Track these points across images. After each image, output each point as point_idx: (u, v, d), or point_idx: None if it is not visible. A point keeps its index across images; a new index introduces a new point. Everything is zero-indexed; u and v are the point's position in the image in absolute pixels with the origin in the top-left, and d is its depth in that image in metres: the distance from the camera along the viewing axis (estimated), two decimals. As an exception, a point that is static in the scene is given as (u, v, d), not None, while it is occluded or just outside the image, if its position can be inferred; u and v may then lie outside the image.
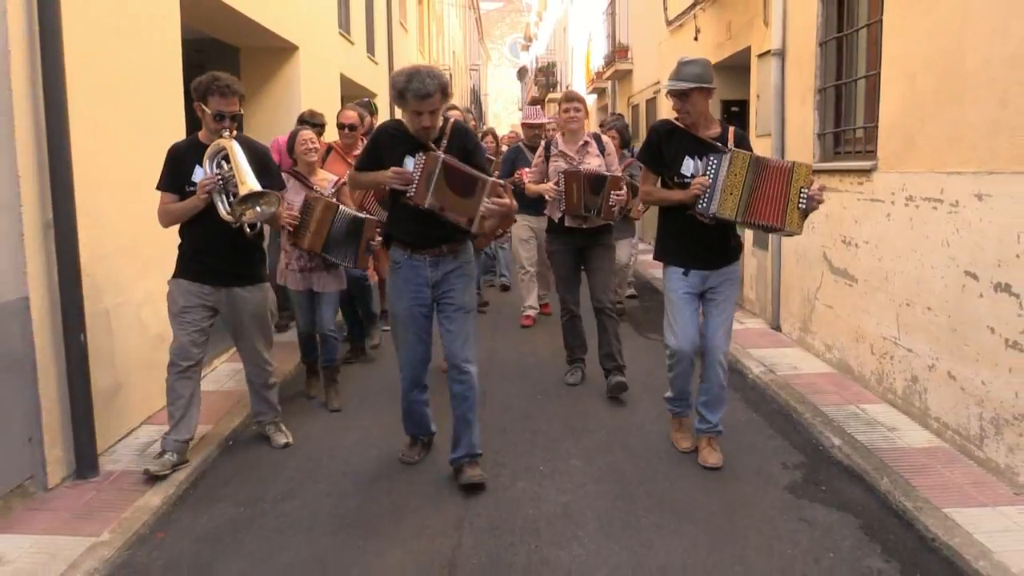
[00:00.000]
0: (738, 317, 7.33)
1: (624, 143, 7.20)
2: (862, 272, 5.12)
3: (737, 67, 8.21)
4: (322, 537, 3.36)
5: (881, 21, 4.85)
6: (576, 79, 24.12)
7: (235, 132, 3.85)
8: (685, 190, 3.81)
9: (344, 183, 4.97)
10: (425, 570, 3.09)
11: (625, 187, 5.09)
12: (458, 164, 3.61)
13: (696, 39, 9.42)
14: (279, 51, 8.29)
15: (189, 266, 3.94)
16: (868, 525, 3.40)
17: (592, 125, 17.78)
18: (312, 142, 4.95)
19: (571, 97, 5.41)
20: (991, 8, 3.78)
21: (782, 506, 3.58)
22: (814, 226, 5.66)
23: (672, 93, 3.89)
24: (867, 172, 4.99)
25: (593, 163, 5.18)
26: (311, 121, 5.80)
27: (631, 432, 4.50)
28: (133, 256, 4.43)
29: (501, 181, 3.78)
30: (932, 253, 4.25)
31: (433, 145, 3.69)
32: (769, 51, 6.64)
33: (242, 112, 3.96)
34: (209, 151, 3.78)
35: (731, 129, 3.95)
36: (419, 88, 3.51)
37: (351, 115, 5.92)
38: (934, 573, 3.03)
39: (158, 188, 3.89)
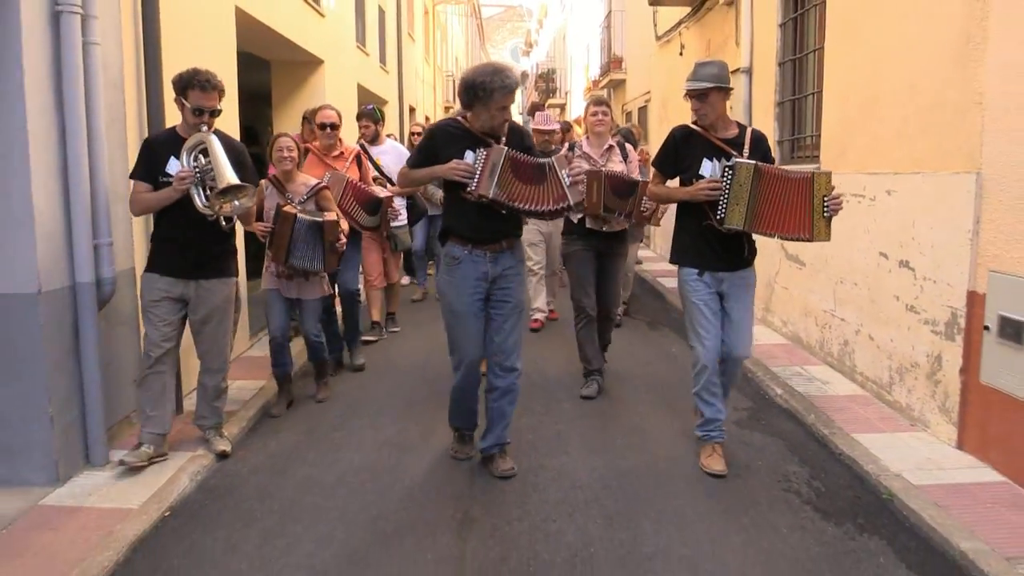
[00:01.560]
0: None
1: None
2: (809, 257, 6.09)
3: (716, 80, 9.17)
4: (370, 451, 4.32)
5: (823, 48, 5.84)
6: (575, 86, 25.12)
7: (213, 127, 3.91)
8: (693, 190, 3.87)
9: (323, 187, 4.94)
10: (451, 473, 4.04)
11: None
12: (522, 156, 3.70)
13: (681, 54, 10.40)
14: (306, 64, 9.26)
15: (160, 258, 3.97)
16: (792, 445, 4.37)
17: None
18: (289, 150, 4.79)
19: (599, 100, 5.42)
20: (896, 46, 4.76)
21: (733, 439, 4.53)
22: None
23: (690, 94, 3.92)
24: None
25: (616, 168, 5.18)
26: (312, 120, 5.91)
27: (612, 385, 5.44)
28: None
29: (565, 154, 4.09)
30: (858, 239, 5.21)
31: (492, 140, 3.76)
32: (739, 68, 7.62)
33: (220, 108, 3.98)
34: (188, 144, 3.81)
35: (749, 130, 4.00)
36: (508, 83, 3.63)
37: (332, 115, 5.69)
38: (835, 474, 3.99)
39: (131, 176, 3.95)
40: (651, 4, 10.26)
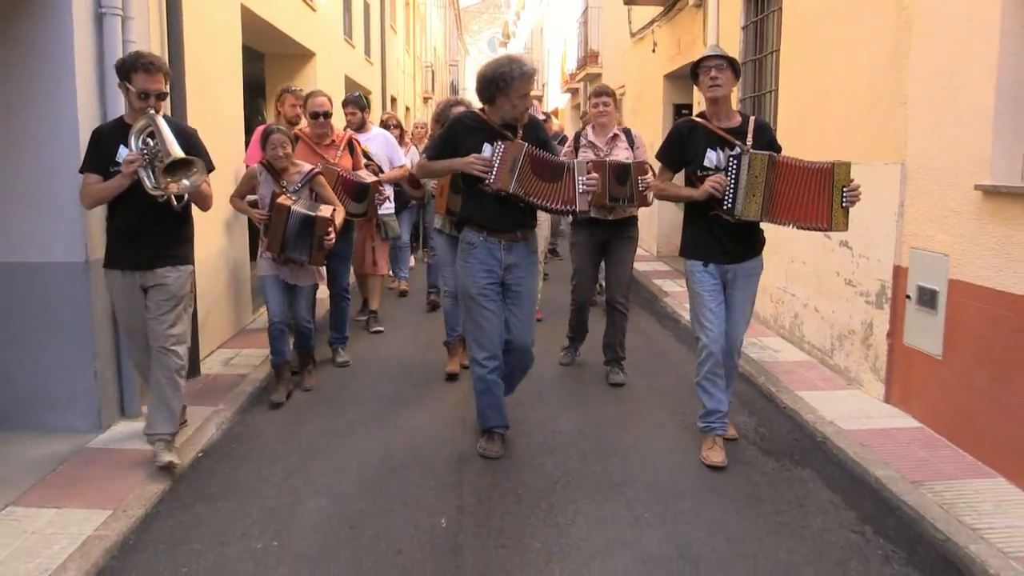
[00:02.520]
0: (680, 281, 8.97)
1: None
2: (768, 239, 6.70)
3: (685, 77, 9.78)
4: (373, 406, 4.89)
5: (779, 50, 6.46)
6: (552, 79, 25.66)
7: (160, 111, 3.80)
8: (700, 187, 3.89)
9: (317, 173, 4.97)
10: (447, 422, 4.61)
11: (651, 171, 4.97)
12: (540, 152, 3.81)
13: (654, 51, 11.01)
14: (299, 57, 9.73)
15: (117, 252, 3.89)
16: (743, 401, 5.00)
17: (569, 123, 19.35)
18: (284, 147, 4.81)
19: (600, 92, 5.39)
20: (840, 50, 5.38)
21: (688, 392, 5.12)
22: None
23: (706, 64, 3.92)
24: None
25: (621, 156, 5.19)
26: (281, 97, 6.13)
27: (588, 355, 6.02)
28: (215, 220, 5.90)
29: (589, 161, 4.19)
30: (807, 222, 5.83)
31: (509, 134, 3.88)
32: (706, 66, 8.21)
33: (167, 91, 3.89)
34: (135, 128, 3.70)
35: (752, 119, 4.00)
36: (526, 69, 3.78)
37: (324, 102, 5.56)
38: (778, 423, 4.62)
39: (81, 170, 3.83)
40: (625, 3, 10.84)
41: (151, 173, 3.65)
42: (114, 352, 4.44)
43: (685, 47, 9.46)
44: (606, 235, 5.25)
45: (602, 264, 5.54)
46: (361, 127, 6.72)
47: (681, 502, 3.59)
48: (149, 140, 3.67)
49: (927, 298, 4.33)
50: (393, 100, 18.06)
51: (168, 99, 5.02)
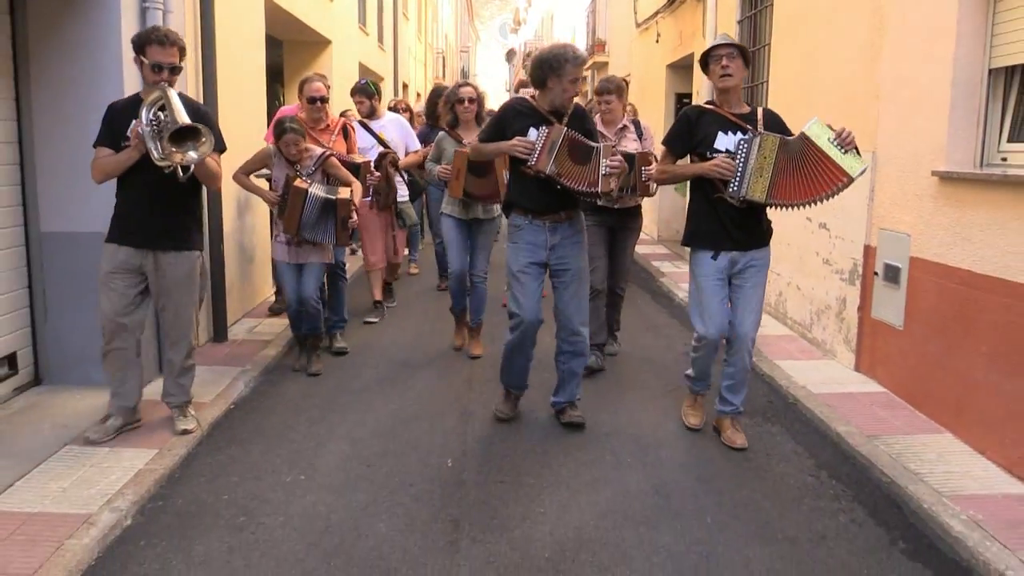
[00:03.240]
0: (676, 263, 9.40)
1: None
2: (756, 224, 7.13)
3: (687, 67, 10.19)
4: (387, 369, 5.35)
5: (770, 44, 6.86)
6: (561, 66, 25.94)
7: (175, 85, 3.77)
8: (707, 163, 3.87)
9: (329, 155, 5.05)
10: (453, 382, 5.07)
11: (654, 162, 5.04)
12: (579, 137, 3.93)
13: (657, 41, 11.38)
14: (316, 44, 10.17)
15: (120, 227, 3.86)
16: (726, 369, 5.43)
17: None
18: (297, 145, 4.86)
19: (604, 90, 5.38)
20: (824, 46, 5.78)
21: (674, 359, 5.58)
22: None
23: (718, 52, 3.89)
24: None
25: (630, 147, 5.24)
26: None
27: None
28: (241, 194, 6.35)
29: (612, 143, 4.26)
30: (791, 206, 6.25)
31: (555, 119, 4.01)
32: (705, 58, 8.61)
33: (182, 65, 3.85)
34: (147, 100, 3.69)
35: (760, 109, 4.04)
36: (579, 55, 3.94)
37: (320, 88, 5.56)
38: (756, 387, 5.04)
39: (95, 144, 3.83)
40: (631, -5, 11.21)
41: (158, 144, 3.61)
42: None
43: (686, 38, 9.84)
44: (613, 222, 5.32)
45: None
46: (372, 115, 6.64)
47: (660, 451, 4.05)
48: (160, 113, 3.63)
49: (891, 274, 4.76)
50: (405, 86, 18.47)
51: (201, 85, 5.54)
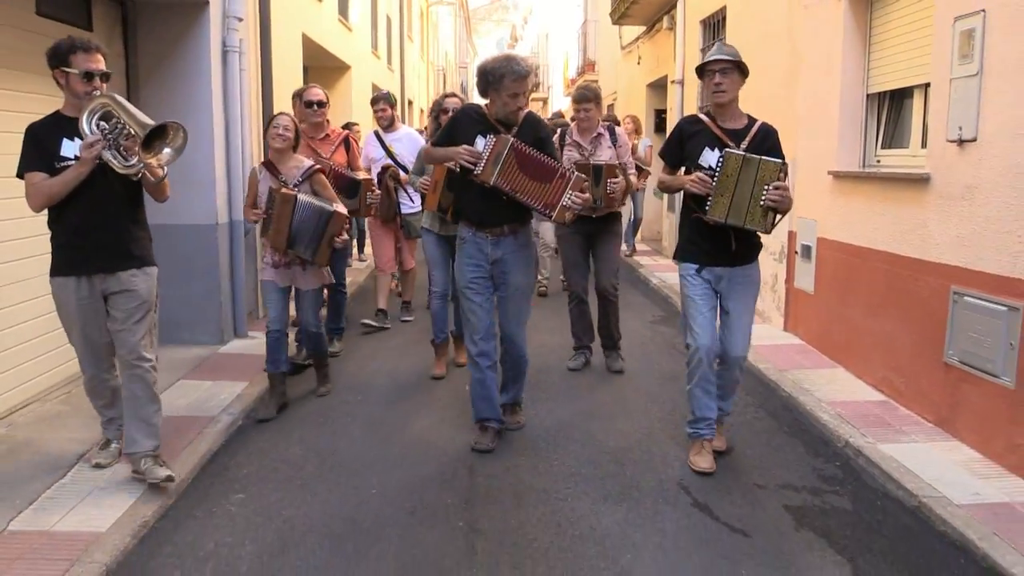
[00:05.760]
0: (654, 257, 10.77)
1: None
2: (716, 219, 8.49)
3: (663, 86, 11.60)
4: (395, 361, 6.70)
5: (724, 70, 8.26)
6: (556, 83, 27.46)
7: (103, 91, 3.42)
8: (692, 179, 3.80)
9: (318, 169, 4.75)
10: (450, 370, 6.40)
11: (621, 175, 5.24)
12: (529, 149, 3.81)
13: (639, 63, 12.80)
14: (337, 69, 11.57)
15: (71, 258, 3.51)
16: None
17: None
18: (286, 129, 4.58)
19: (581, 98, 5.43)
20: (761, 71, 7.16)
21: (645, 328, 6.93)
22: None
23: (711, 67, 3.79)
24: (717, 159, 8.39)
25: (605, 155, 5.35)
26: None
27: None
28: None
29: (584, 177, 3.95)
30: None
31: (503, 129, 3.91)
32: (675, 80, 10.02)
33: (110, 71, 3.53)
34: (86, 110, 3.36)
35: (758, 123, 3.88)
36: (519, 69, 3.81)
37: (318, 92, 5.65)
38: (704, 343, 6.41)
39: (21, 172, 3.43)
40: (614, 23, 12.62)
41: (118, 154, 3.37)
42: (231, 289, 6.25)
43: (662, 62, 11.25)
44: (591, 229, 5.41)
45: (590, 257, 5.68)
46: (390, 125, 6.66)
47: (624, 389, 5.37)
48: (103, 123, 3.37)
49: (806, 252, 6.12)
50: (410, 103, 19.91)
51: (261, 106, 6.93)
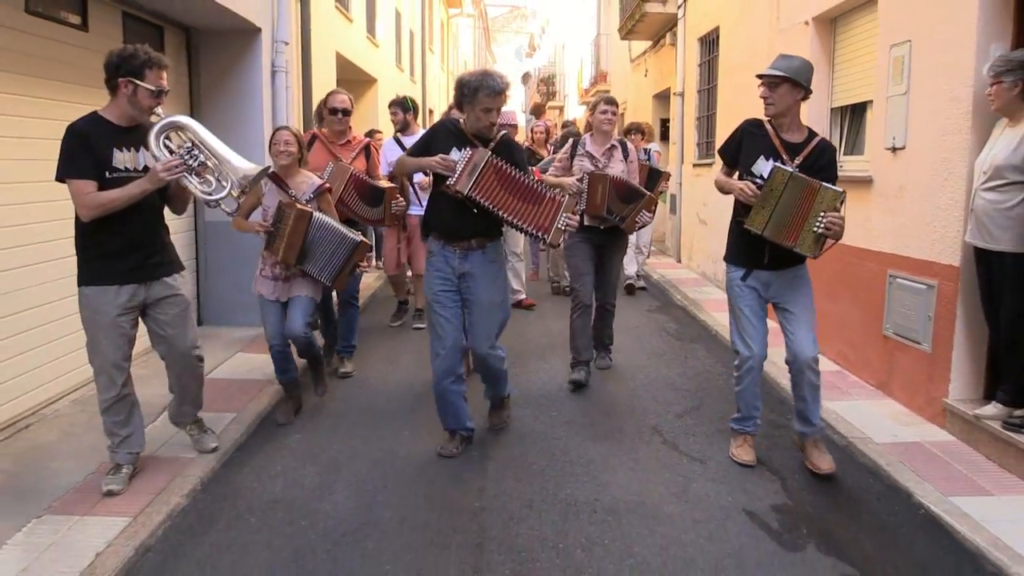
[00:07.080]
0: (655, 255, 11.61)
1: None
2: (711, 220, 9.33)
3: (667, 97, 12.43)
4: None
5: (717, 84, 9.10)
6: (571, 92, 28.35)
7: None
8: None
9: (327, 189, 4.68)
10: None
11: (654, 210, 5.44)
12: (511, 169, 3.82)
13: (646, 75, 13.65)
14: (365, 82, 12.50)
15: (114, 267, 3.52)
16: (676, 318, 7.62)
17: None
18: (287, 144, 4.52)
19: (609, 100, 5.51)
20: (743, 87, 8.00)
21: (641, 315, 7.76)
22: (703, 199, 9.90)
23: (761, 81, 3.86)
24: (710, 166, 9.22)
25: (617, 168, 5.33)
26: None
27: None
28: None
29: (575, 200, 4.02)
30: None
31: (479, 143, 3.93)
32: (677, 92, 10.86)
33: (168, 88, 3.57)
34: (158, 128, 3.39)
35: (817, 138, 3.90)
36: (494, 85, 3.82)
37: (344, 99, 5.56)
38: (688, 323, 7.22)
39: (73, 175, 3.35)
40: (622, 38, 13.48)
41: (194, 179, 3.46)
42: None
43: (666, 75, 12.09)
44: (600, 240, 5.38)
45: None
46: (405, 128, 6.89)
47: (616, 359, 6.18)
48: (169, 142, 3.44)
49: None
50: (431, 112, 20.84)
51: (303, 118, 7.85)
